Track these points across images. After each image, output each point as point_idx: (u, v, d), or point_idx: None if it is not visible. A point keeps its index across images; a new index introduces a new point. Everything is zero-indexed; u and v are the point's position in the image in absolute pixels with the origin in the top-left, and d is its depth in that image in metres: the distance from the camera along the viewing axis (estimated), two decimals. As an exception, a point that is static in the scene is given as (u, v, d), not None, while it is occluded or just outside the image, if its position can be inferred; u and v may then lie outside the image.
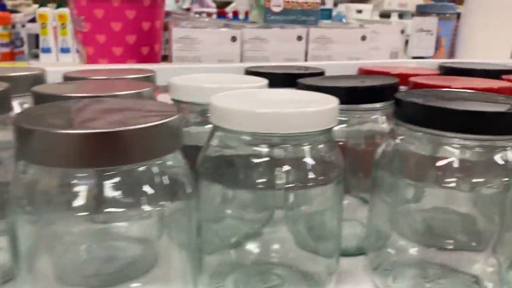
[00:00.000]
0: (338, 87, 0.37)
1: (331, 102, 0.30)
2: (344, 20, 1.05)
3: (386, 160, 0.31)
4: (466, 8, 0.78)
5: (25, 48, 1.56)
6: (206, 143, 0.29)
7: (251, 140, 0.28)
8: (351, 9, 2.12)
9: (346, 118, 0.38)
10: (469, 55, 0.79)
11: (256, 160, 0.28)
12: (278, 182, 0.28)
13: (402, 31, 0.78)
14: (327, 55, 0.65)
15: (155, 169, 0.24)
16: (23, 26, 1.56)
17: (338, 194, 0.31)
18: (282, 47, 0.62)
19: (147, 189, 0.24)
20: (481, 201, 0.31)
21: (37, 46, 1.57)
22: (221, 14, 1.95)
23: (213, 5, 2.31)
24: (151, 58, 0.68)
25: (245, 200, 0.30)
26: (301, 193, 0.30)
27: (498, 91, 0.38)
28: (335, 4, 2.21)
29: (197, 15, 1.26)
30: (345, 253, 0.39)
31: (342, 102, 0.36)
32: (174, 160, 0.25)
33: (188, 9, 2.11)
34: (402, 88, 0.43)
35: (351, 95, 0.36)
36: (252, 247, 0.33)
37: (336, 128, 0.38)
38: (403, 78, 0.43)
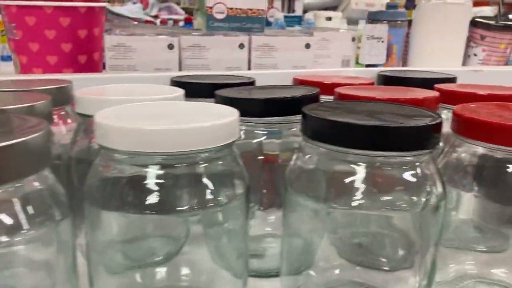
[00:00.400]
0: (253, 99, 0.35)
1: (231, 115, 0.28)
2: (295, 28, 1.04)
3: (294, 177, 0.29)
4: (417, 15, 0.77)
5: (-14, 56, 1.51)
6: (93, 163, 0.27)
7: (137, 160, 0.25)
8: (320, 17, 2.12)
9: (265, 131, 0.36)
10: (421, 62, 0.78)
11: (145, 182, 0.26)
12: (171, 205, 0.26)
13: (353, 39, 0.77)
14: (271, 64, 0.63)
15: (12, 194, 0.22)
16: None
17: (242, 212, 0.29)
18: (224, 55, 0.60)
19: (3, 217, 0.21)
20: (393, 220, 0.30)
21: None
22: (188, 21, 1.92)
23: (182, 12, 2.28)
24: (90, 67, 0.65)
25: (137, 225, 0.27)
26: (199, 214, 0.28)
27: (423, 101, 0.37)
28: (305, 11, 2.20)
29: (135, 22, 1.23)
30: (269, 274, 0.37)
31: (257, 114, 0.35)
32: (41, 182, 0.23)
33: (156, 16, 2.08)
34: (325, 98, 0.42)
35: (266, 108, 0.34)
36: (153, 272, 0.30)
37: (255, 141, 0.37)
38: (334, 88, 0.41)
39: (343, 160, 0.27)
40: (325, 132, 0.27)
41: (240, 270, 0.30)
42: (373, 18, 0.79)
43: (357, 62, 0.82)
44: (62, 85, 0.39)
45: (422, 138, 0.26)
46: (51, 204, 0.23)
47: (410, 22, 0.80)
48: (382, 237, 0.31)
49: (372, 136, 0.25)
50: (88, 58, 0.65)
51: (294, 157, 0.30)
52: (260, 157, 0.37)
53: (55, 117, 0.40)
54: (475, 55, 0.83)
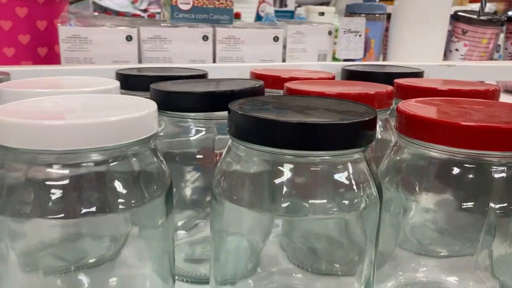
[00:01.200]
0: (189, 92, 0.32)
1: (147, 108, 0.25)
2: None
3: (220, 178, 0.27)
4: (395, 9, 0.75)
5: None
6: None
7: (37, 159, 0.23)
8: (313, 11, 2.09)
9: (204, 128, 0.34)
10: (400, 57, 0.75)
11: (49, 183, 0.24)
12: (74, 209, 0.24)
13: (330, 32, 0.75)
14: (238, 57, 0.60)
15: None
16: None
17: (162, 212, 0.27)
18: (187, 48, 0.58)
19: None
20: (324, 224, 0.27)
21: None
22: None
23: (174, 6, 2.25)
24: (51, 59, 0.63)
25: (44, 233, 0.25)
26: (111, 218, 0.25)
27: (373, 96, 0.34)
28: (299, 6, 2.17)
29: (96, 13, 1.20)
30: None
31: (192, 109, 0.32)
32: None
33: (145, 10, 2.05)
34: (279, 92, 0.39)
35: (202, 102, 0.32)
36: (69, 280, 0.28)
37: (193, 138, 0.35)
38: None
39: (267, 160, 0.25)
40: (246, 129, 0.24)
41: (165, 274, 0.28)
42: (350, 11, 0.77)
43: (334, 57, 0.79)
44: (-4, 77, 0.37)
45: (349, 136, 0.23)
46: None
47: (389, 16, 0.77)
48: (314, 242, 0.29)
49: (292, 134, 0.23)
50: (49, 51, 0.62)
51: (222, 157, 0.28)
52: (199, 156, 0.35)
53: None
54: (456, 50, 0.80)
